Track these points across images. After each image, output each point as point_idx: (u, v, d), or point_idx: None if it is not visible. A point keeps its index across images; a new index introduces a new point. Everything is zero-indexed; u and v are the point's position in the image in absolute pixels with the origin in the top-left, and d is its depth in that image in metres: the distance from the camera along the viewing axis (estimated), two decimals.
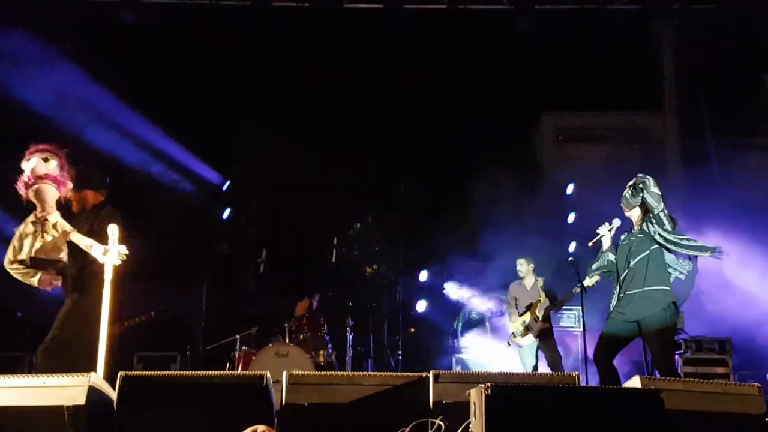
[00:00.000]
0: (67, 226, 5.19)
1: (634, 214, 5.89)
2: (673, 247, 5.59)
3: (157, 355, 8.80)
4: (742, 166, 9.45)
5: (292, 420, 4.18)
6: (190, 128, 10.70)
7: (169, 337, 9.19)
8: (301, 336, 8.43)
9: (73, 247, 5.22)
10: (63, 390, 3.91)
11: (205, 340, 9.26)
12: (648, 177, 5.75)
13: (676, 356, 8.34)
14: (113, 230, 4.99)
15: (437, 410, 4.24)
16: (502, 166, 9.93)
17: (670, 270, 5.64)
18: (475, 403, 3.92)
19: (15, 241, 5.20)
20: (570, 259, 8.04)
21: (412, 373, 4.56)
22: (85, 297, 5.26)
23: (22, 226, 5.22)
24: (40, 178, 5.13)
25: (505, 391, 3.75)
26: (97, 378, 4.14)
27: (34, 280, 5.19)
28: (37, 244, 5.15)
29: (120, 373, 4.10)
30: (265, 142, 10.38)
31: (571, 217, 10.40)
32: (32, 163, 5.14)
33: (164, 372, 4.54)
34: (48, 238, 5.16)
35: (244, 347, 8.36)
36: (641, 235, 5.74)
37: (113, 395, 4.05)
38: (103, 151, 10.40)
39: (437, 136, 10.32)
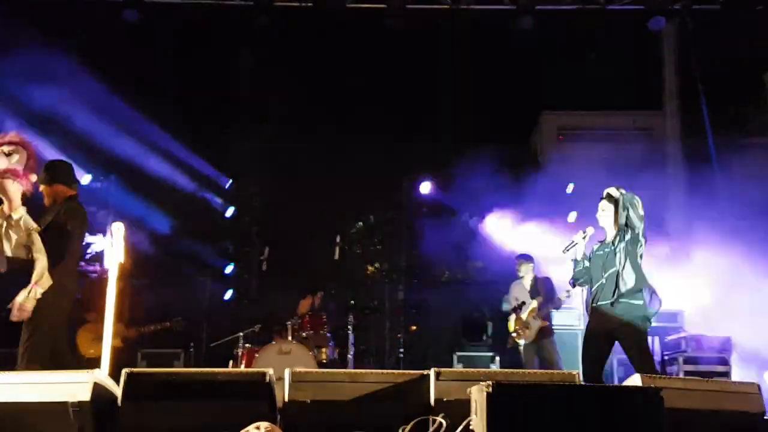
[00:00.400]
0: (32, 224, 5.07)
1: (610, 225, 5.88)
2: (623, 260, 5.64)
3: (161, 352, 8.82)
4: (743, 164, 9.45)
5: (295, 417, 4.20)
6: (192, 127, 10.73)
7: (172, 335, 9.21)
8: (304, 334, 8.45)
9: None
10: (68, 386, 3.92)
11: (208, 337, 9.28)
12: (636, 196, 5.80)
13: (677, 355, 8.37)
14: (118, 228, 5.00)
15: (438, 408, 4.25)
16: (504, 165, 9.95)
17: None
18: (476, 401, 3.93)
19: None
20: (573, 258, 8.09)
21: (414, 371, 4.56)
22: (45, 294, 5.10)
23: None
24: (2, 173, 4.98)
25: (506, 389, 3.76)
26: (101, 374, 4.16)
27: None
28: (6, 243, 5.02)
29: (124, 370, 4.11)
30: (267, 140, 10.41)
31: (572, 216, 10.41)
32: None
33: (168, 369, 4.56)
34: (13, 236, 5.03)
35: (247, 345, 8.40)
36: (614, 247, 5.76)
37: (118, 391, 4.07)
38: (106, 150, 10.47)
39: (439, 134, 10.33)
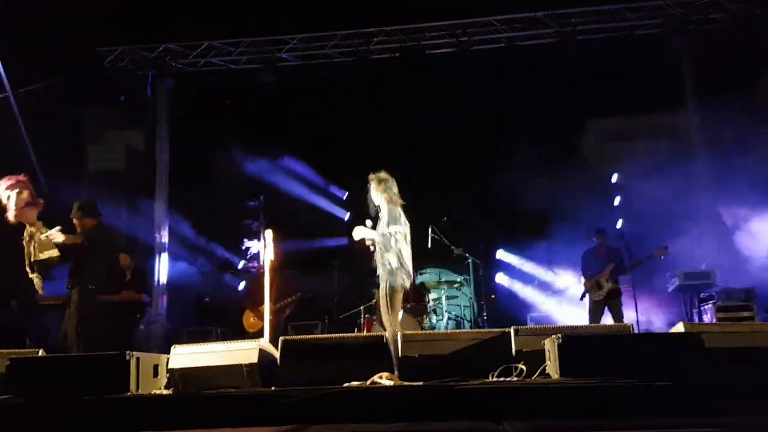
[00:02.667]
0: (44, 229, 5.33)
1: (383, 204, 5.69)
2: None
3: (305, 323, 9.01)
4: (755, 150, 8.85)
5: (407, 368, 4.21)
6: (317, 156, 10.94)
7: (312, 310, 9.39)
8: (408, 305, 8.42)
9: (64, 249, 5.36)
10: (241, 353, 4.06)
11: (338, 311, 9.41)
12: (391, 180, 5.75)
13: (710, 304, 7.90)
14: (269, 234, 5.14)
15: (519, 357, 4.17)
16: (559, 166, 9.67)
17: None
18: (549, 350, 3.84)
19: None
20: (620, 233, 7.86)
21: (497, 329, 4.49)
22: (85, 288, 5.39)
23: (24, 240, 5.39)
24: (22, 208, 5.30)
25: (573, 340, 3.66)
26: (264, 342, 4.30)
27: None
28: (32, 252, 5.30)
29: (280, 338, 4.23)
30: (375, 161, 10.46)
31: (617, 200, 10.08)
32: (12, 198, 5.30)
33: (311, 335, 4.64)
34: (35, 244, 5.30)
35: (367, 315, 8.45)
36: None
37: (276, 354, 4.18)
38: (258, 179, 10.85)
39: (507, 143, 10.10)
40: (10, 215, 5.32)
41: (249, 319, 8.44)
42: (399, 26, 10.21)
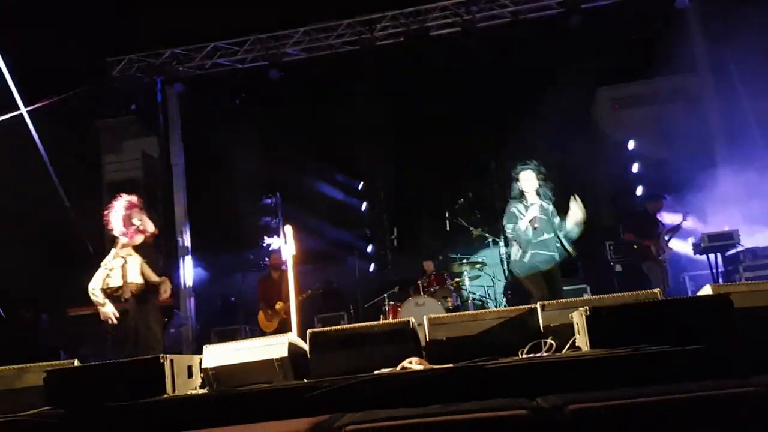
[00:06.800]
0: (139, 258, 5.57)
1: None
2: None
3: (331, 315, 9.07)
4: None
5: (436, 352, 4.19)
6: (329, 149, 10.95)
7: (337, 302, 9.45)
8: (432, 289, 8.44)
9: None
10: (271, 347, 4.07)
11: (362, 300, 9.46)
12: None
13: (738, 265, 7.81)
14: (288, 230, 5.15)
15: (547, 332, 4.13)
16: (573, 136, 9.57)
17: None
18: (577, 323, 3.80)
19: (103, 272, 5.46)
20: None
21: (523, 306, 4.45)
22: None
23: (109, 260, 5.51)
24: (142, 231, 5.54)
25: (601, 311, 3.61)
26: (293, 336, 4.31)
27: (104, 309, 5.40)
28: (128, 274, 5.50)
29: (308, 331, 4.24)
30: (386, 149, 10.47)
31: (636, 167, 9.95)
32: (137, 219, 5.49)
33: (338, 326, 4.64)
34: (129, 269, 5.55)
35: (391, 302, 8.48)
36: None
37: (305, 346, 4.19)
38: (273, 176, 10.89)
39: (518, 120, 10.00)
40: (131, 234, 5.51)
41: (262, 320, 8.41)
42: (401, 10, 10.13)
